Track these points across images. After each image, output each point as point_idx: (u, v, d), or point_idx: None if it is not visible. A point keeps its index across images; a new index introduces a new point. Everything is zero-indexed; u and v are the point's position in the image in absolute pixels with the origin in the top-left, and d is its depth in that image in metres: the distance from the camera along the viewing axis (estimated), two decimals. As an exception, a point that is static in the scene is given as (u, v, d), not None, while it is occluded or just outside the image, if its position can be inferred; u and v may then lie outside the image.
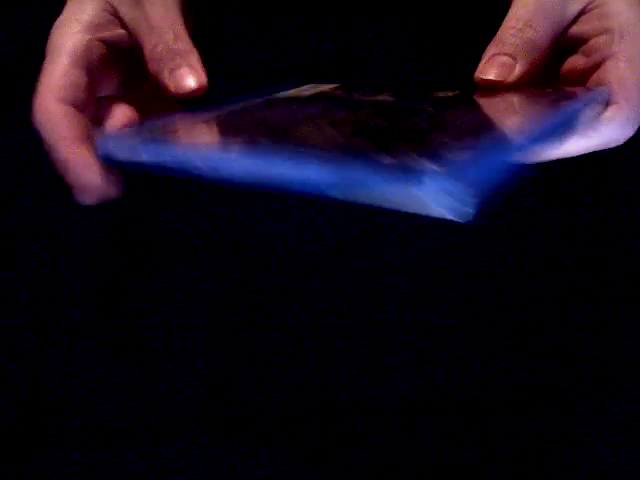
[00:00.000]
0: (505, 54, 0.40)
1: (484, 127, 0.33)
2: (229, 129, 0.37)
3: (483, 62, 0.40)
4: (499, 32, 0.41)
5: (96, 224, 0.54)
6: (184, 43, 0.40)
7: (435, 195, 0.26)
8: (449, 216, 0.26)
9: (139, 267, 0.54)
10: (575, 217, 0.55)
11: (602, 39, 0.41)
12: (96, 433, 0.55)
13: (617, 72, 0.40)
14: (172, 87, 0.40)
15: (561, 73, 0.43)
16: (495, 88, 0.40)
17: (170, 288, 0.54)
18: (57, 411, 0.55)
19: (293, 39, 0.51)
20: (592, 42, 0.41)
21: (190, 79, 0.39)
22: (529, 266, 0.55)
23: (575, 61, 0.42)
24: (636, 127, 0.40)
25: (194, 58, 0.40)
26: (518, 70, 0.40)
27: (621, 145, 0.45)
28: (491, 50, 0.40)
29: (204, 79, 0.40)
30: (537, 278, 0.55)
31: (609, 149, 0.51)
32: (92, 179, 0.38)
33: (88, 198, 0.39)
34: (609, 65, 0.40)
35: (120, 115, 0.42)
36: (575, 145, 0.39)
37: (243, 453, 0.55)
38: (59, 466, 0.55)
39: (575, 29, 0.42)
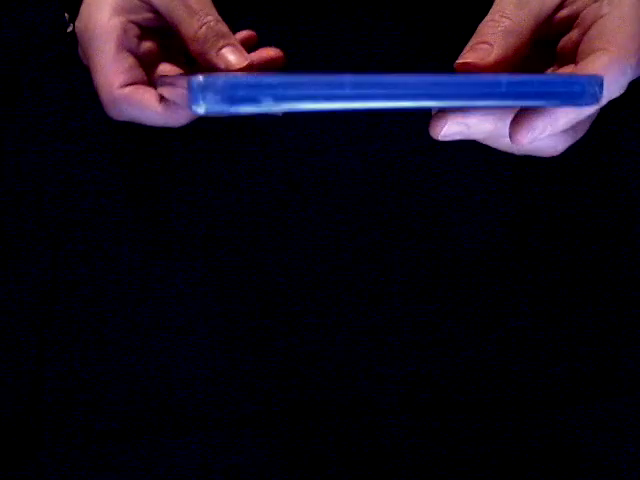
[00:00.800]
0: (482, 42, 0.42)
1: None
2: None
3: (464, 52, 0.43)
4: (479, 27, 0.43)
5: (97, 224, 0.54)
6: (224, 25, 0.44)
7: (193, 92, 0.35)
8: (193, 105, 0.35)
9: (140, 263, 0.54)
10: (577, 217, 0.55)
11: (592, 8, 0.43)
12: (96, 433, 0.55)
13: (607, 25, 0.42)
14: (222, 65, 0.44)
15: (558, 52, 0.45)
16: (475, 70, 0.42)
17: (172, 285, 0.54)
18: (57, 411, 0.55)
19: (294, 38, 0.51)
20: (583, 14, 0.43)
21: (237, 57, 0.44)
22: (530, 265, 0.55)
23: (570, 36, 0.44)
24: (629, 77, 0.41)
25: (235, 39, 0.44)
26: (495, 53, 0.42)
27: (622, 137, 0.45)
28: (471, 41, 0.43)
29: (248, 57, 0.44)
30: (538, 277, 0.55)
31: (610, 141, 0.52)
32: (182, 119, 0.46)
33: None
34: (599, 22, 0.42)
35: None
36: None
37: (242, 452, 0.55)
38: (59, 466, 0.55)
39: (565, 12, 0.44)
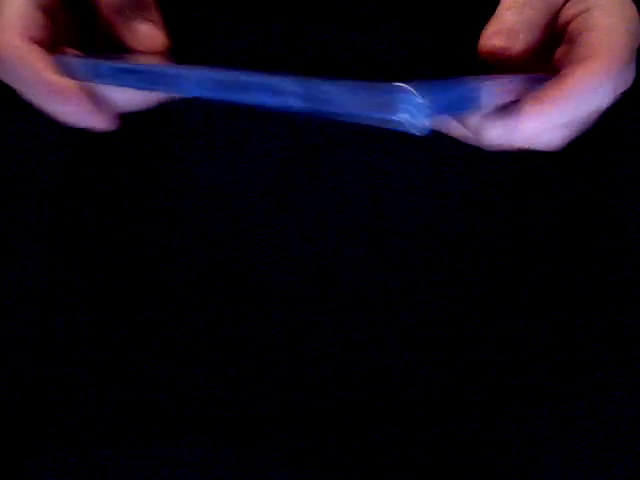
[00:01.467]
0: (508, 28, 0.40)
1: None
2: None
3: (485, 37, 0.41)
4: (497, 12, 0.41)
5: (97, 223, 0.54)
6: None
7: (400, 104, 0.31)
8: (408, 125, 0.31)
9: (139, 264, 0.54)
10: (576, 217, 0.55)
11: (581, 18, 0.41)
12: (96, 433, 0.55)
13: (594, 35, 0.40)
14: (132, 42, 0.39)
15: (555, 64, 0.44)
16: (496, 60, 0.41)
17: (170, 285, 0.54)
18: (56, 411, 0.55)
19: (290, 36, 0.51)
20: (572, 24, 0.42)
21: (152, 34, 0.39)
22: (529, 266, 0.55)
23: (562, 47, 0.43)
24: (620, 84, 0.41)
25: (156, 13, 0.39)
26: (522, 42, 0.40)
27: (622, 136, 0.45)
28: (491, 27, 0.41)
29: (165, 37, 0.39)
30: (537, 278, 0.55)
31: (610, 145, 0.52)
32: (80, 103, 0.38)
33: (77, 121, 0.39)
34: (586, 32, 0.41)
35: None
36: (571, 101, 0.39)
37: (243, 454, 0.55)
38: (58, 466, 0.55)
39: (562, 15, 0.42)
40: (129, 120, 0.45)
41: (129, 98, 0.39)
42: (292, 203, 0.53)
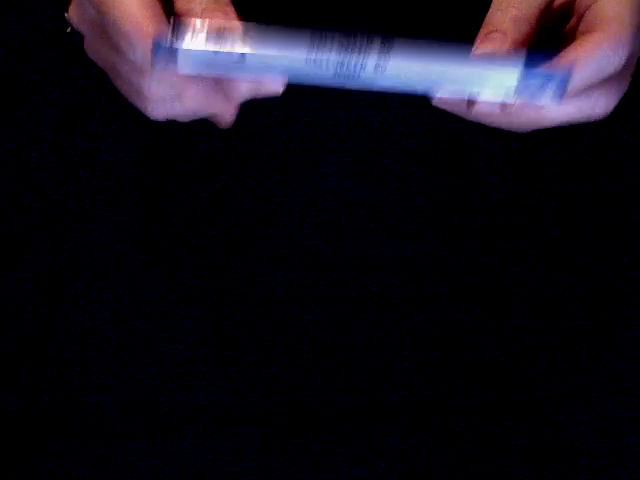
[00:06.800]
0: (496, 31, 0.44)
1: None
2: None
3: (477, 42, 0.44)
4: (487, 18, 0.44)
5: (97, 224, 0.54)
6: None
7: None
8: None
9: (140, 264, 0.54)
10: (578, 218, 0.55)
11: None
12: (96, 433, 0.55)
13: (600, 9, 0.44)
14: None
15: (564, 34, 0.46)
16: None
17: (171, 285, 0.54)
18: (57, 410, 0.55)
19: None
20: (578, 1, 0.45)
21: (220, 19, 0.40)
22: (529, 266, 0.55)
23: (570, 24, 0.46)
24: (625, 55, 0.43)
25: (230, 9, 0.41)
26: (510, 41, 0.43)
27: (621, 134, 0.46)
28: (482, 32, 0.44)
29: (236, 20, 0.41)
30: (536, 278, 0.55)
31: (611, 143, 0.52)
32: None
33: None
34: (593, 7, 0.44)
35: None
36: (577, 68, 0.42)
37: (243, 452, 0.55)
38: (58, 466, 0.55)
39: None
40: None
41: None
42: (291, 202, 0.53)
